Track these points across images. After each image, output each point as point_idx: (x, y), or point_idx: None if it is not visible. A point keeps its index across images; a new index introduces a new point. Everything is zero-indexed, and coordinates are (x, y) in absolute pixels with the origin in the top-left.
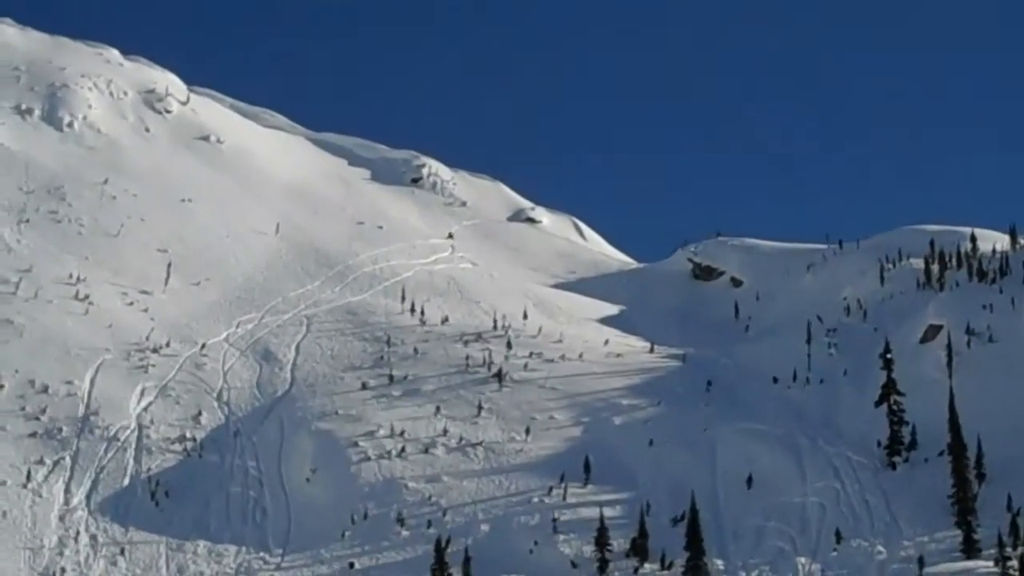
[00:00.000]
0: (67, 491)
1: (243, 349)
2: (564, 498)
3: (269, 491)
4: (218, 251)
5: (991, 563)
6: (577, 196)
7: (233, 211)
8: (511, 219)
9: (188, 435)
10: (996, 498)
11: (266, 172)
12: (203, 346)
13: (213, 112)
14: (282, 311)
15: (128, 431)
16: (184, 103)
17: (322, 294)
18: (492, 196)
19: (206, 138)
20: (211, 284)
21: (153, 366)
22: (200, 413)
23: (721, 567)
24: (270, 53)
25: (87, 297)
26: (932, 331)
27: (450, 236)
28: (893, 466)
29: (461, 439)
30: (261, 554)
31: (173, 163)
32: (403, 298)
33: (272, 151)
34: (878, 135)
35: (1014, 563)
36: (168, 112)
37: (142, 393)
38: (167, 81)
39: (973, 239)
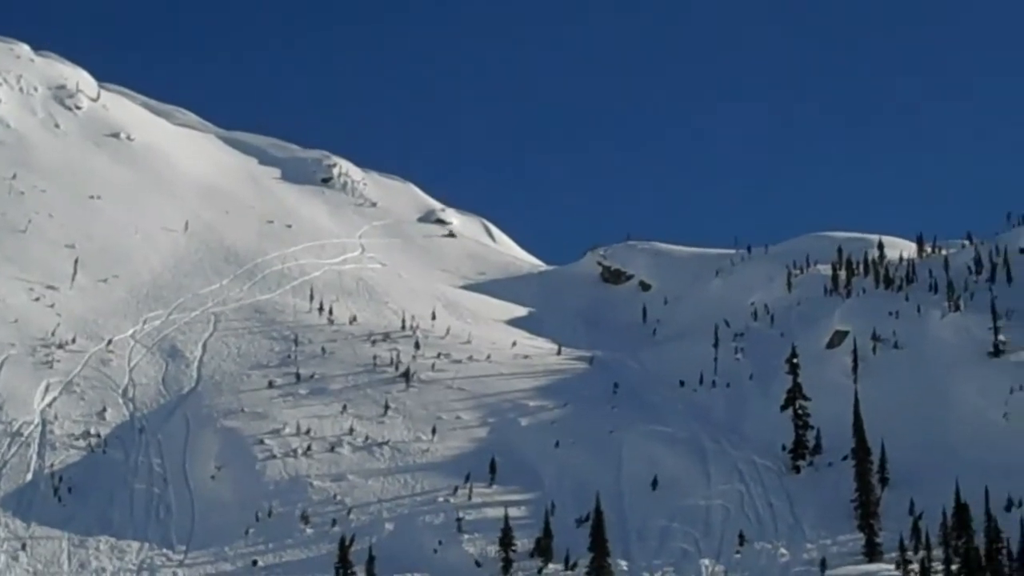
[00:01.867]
0: None
1: (150, 346)
2: (469, 498)
3: (173, 488)
4: (126, 248)
5: (893, 566)
6: (487, 198)
7: (142, 208)
8: (421, 220)
9: (92, 431)
10: (899, 502)
11: (176, 170)
12: (109, 342)
13: (124, 109)
14: (190, 308)
15: (32, 426)
16: (95, 100)
17: (230, 292)
18: (402, 197)
19: (116, 135)
20: (119, 281)
21: (58, 362)
22: (105, 409)
23: (625, 568)
24: (182, 51)
25: None
26: (838, 337)
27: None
28: (797, 470)
29: (367, 438)
30: (164, 551)
31: (83, 159)
32: (311, 297)
33: (182, 149)
34: (788, 141)
35: (915, 567)
36: (78, 108)
37: (47, 389)
38: (78, 77)
39: (880, 246)
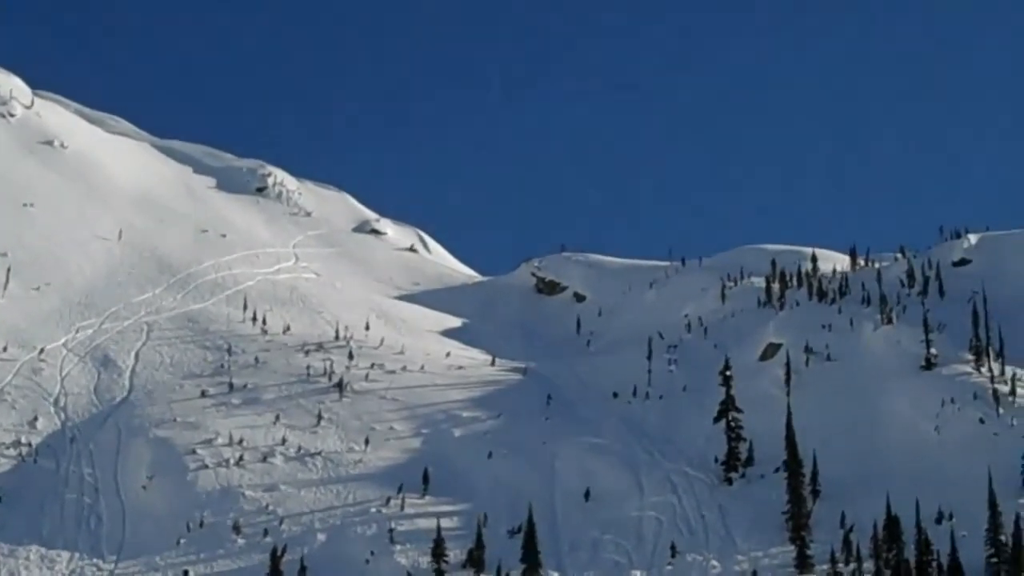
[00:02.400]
0: None
1: (82, 355)
2: (402, 508)
3: (104, 498)
4: (59, 256)
5: None
6: (422, 209)
7: (76, 216)
8: (356, 230)
9: (23, 440)
10: (830, 514)
11: (110, 178)
12: (41, 351)
13: (58, 116)
14: (123, 317)
15: None
16: (28, 107)
17: (163, 301)
18: (337, 207)
19: (50, 142)
20: (51, 289)
21: None
22: (36, 418)
23: None
24: (117, 58)
25: None
26: (771, 349)
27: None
28: (730, 482)
29: (300, 448)
30: (95, 560)
31: (15, 167)
32: (245, 307)
33: (117, 157)
34: (723, 154)
35: None
36: (12, 116)
37: None
38: (11, 84)
39: (814, 259)
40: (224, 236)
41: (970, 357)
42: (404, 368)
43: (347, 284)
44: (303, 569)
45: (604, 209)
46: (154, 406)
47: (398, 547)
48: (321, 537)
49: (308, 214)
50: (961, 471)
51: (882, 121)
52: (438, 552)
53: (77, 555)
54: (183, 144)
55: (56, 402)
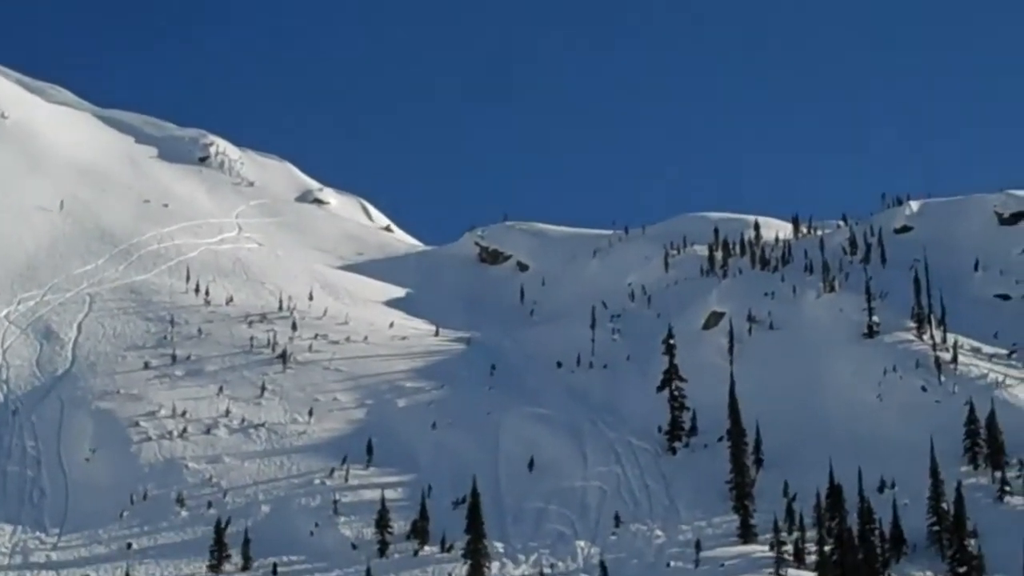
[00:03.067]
0: None
1: (23, 327)
2: (346, 480)
3: (47, 470)
4: (0, 227)
5: (767, 548)
6: (365, 178)
7: (16, 187)
8: (299, 200)
9: None
10: (773, 483)
11: (51, 148)
12: None
13: None
14: (65, 289)
15: None
16: None
17: (106, 273)
18: (280, 176)
19: None
20: None
21: None
22: None
23: (501, 550)
24: (57, 28)
25: None
26: (714, 317)
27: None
28: (673, 451)
29: (243, 420)
30: (37, 534)
31: None
32: (188, 278)
33: (58, 127)
34: (666, 123)
35: (789, 548)
36: None
37: None
38: None
39: (756, 227)
40: (166, 206)
41: (912, 325)
42: (348, 339)
43: (290, 254)
44: (247, 541)
45: (547, 178)
46: (97, 378)
47: (342, 518)
48: (265, 509)
49: (251, 184)
50: (903, 439)
51: (824, 88)
52: (382, 523)
53: (20, 528)
54: (124, 114)
55: None
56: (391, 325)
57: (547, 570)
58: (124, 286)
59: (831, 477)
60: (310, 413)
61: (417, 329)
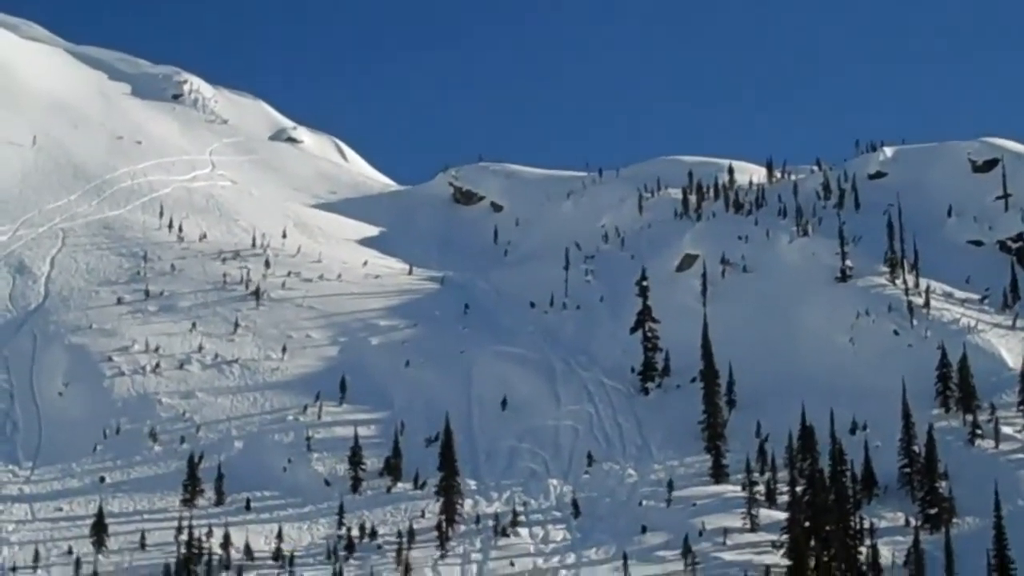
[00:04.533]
0: None
1: None
2: (319, 417)
3: (20, 404)
4: None
5: (739, 488)
6: (339, 116)
7: None
8: (272, 138)
9: None
10: (745, 424)
11: (24, 84)
12: None
13: None
14: (37, 224)
15: None
16: None
17: (79, 208)
18: (254, 114)
19: None
20: None
21: None
22: None
23: (473, 487)
24: None
25: None
26: (688, 260)
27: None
28: (646, 391)
29: (217, 356)
30: (10, 467)
31: None
32: (161, 214)
33: (30, 63)
34: (640, 65)
35: (760, 488)
36: None
37: None
38: None
39: (731, 171)
40: (139, 143)
41: (885, 269)
42: (321, 276)
43: (264, 192)
44: (220, 476)
45: (522, 119)
46: (70, 313)
47: (315, 455)
48: (238, 444)
49: (224, 121)
50: (875, 382)
51: (799, 33)
52: (355, 460)
53: None
54: (97, 50)
55: None
56: (364, 264)
57: (520, 508)
58: (97, 222)
59: (803, 418)
60: (283, 350)
61: (390, 268)
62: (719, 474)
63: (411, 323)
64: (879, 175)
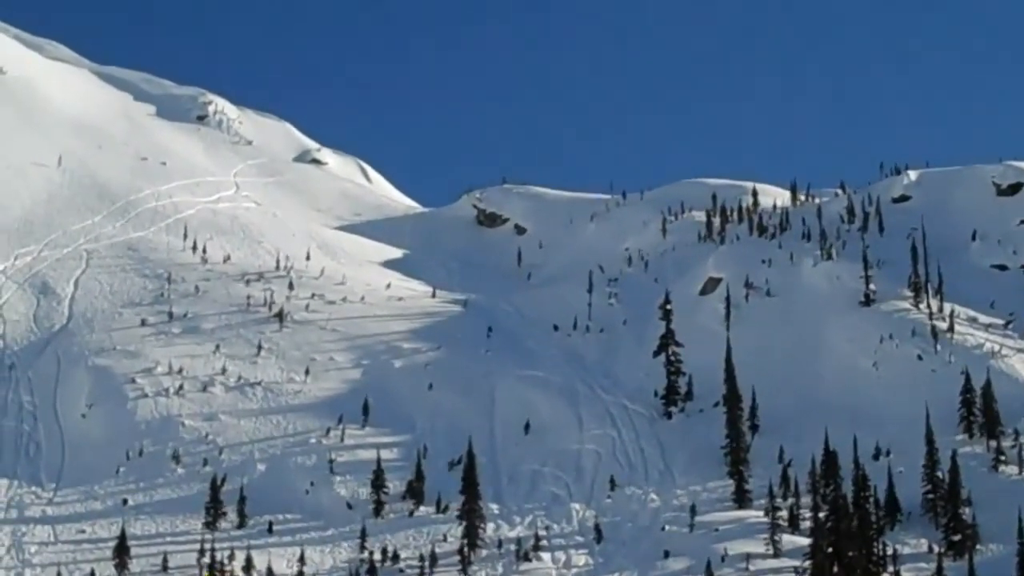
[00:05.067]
0: None
1: (20, 282)
2: (342, 439)
3: (44, 426)
4: None
5: (761, 513)
6: (364, 139)
7: (14, 143)
8: (297, 160)
9: None
10: (768, 449)
11: (49, 104)
12: None
13: None
14: (62, 245)
15: None
16: None
17: (103, 229)
18: (278, 136)
19: None
20: None
21: None
22: None
23: (496, 511)
24: None
25: None
26: (711, 283)
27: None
28: (669, 416)
29: (240, 378)
30: (33, 488)
31: None
32: (185, 235)
33: (56, 83)
34: (664, 88)
35: (784, 514)
36: None
37: None
38: None
39: (754, 194)
40: (164, 164)
41: (909, 293)
42: (344, 299)
43: (288, 214)
44: (243, 499)
45: (546, 142)
46: (93, 334)
47: (338, 478)
48: (261, 467)
49: (249, 143)
50: (899, 407)
51: (824, 57)
52: (378, 483)
53: (16, 483)
54: (123, 71)
55: None
56: (388, 286)
57: (542, 532)
58: (121, 243)
59: (826, 444)
60: (306, 372)
61: (414, 290)
62: (742, 499)
63: (434, 346)
64: (903, 198)
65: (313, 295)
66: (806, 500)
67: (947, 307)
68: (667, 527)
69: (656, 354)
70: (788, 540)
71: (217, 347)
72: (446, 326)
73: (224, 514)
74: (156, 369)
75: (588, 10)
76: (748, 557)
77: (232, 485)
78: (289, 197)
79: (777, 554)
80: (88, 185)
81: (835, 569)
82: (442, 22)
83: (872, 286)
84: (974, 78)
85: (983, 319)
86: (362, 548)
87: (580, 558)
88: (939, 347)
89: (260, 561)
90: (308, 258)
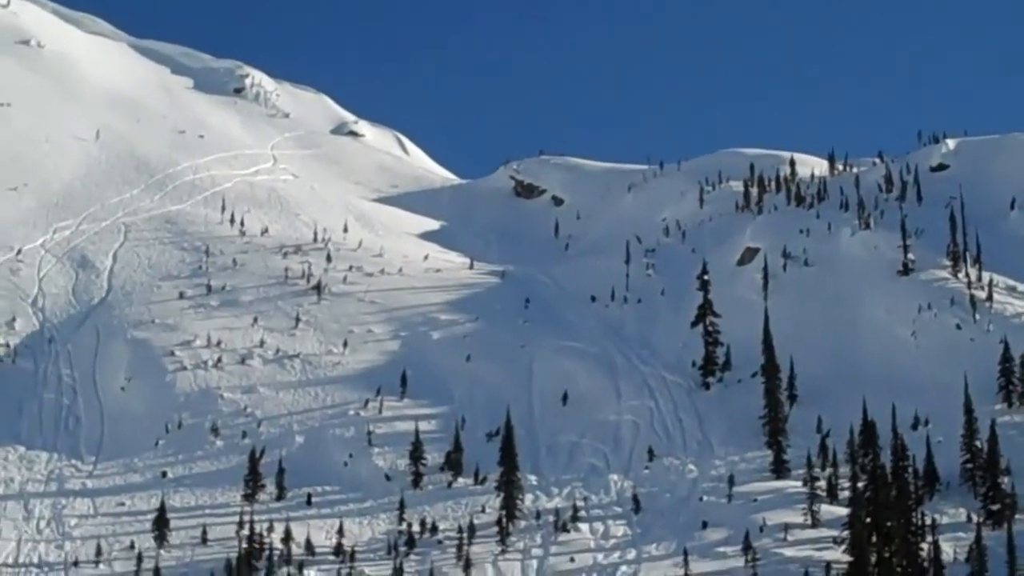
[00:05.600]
0: None
1: (59, 255)
2: (380, 411)
3: (83, 399)
4: (36, 157)
5: (800, 483)
6: (401, 110)
7: (52, 117)
8: (334, 132)
9: (2, 341)
10: (807, 419)
11: (87, 78)
12: (19, 252)
13: (34, 16)
14: (100, 218)
15: None
16: (5, 6)
17: (141, 202)
18: (315, 108)
19: (26, 42)
20: (28, 190)
21: None
22: (14, 319)
23: (534, 482)
24: None
25: None
26: (749, 253)
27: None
28: (707, 386)
29: (278, 350)
30: (73, 461)
31: None
32: (223, 208)
33: (94, 57)
34: (702, 58)
35: (822, 483)
36: None
37: None
38: None
39: (792, 163)
40: (202, 137)
41: (947, 262)
42: (382, 271)
43: (325, 186)
44: (281, 471)
45: (583, 112)
46: (132, 307)
47: (376, 449)
48: (299, 439)
49: (286, 115)
50: (937, 377)
51: (862, 26)
52: (416, 454)
53: (56, 456)
54: (160, 44)
55: (34, 303)
56: (425, 258)
57: (580, 503)
58: (159, 216)
59: (865, 413)
60: (344, 344)
61: (451, 262)
62: (780, 469)
63: (472, 317)
64: (941, 167)
65: (351, 267)
66: (844, 470)
67: (985, 276)
68: (705, 497)
69: (694, 324)
70: (826, 510)
71: (255, 320)
72: (484, 297)
73: (263, 486)
74: (195, 342)
75: None
76: (786, 527)
77: (271, 457)
78: (326, 169)
79: (815, 524)
80: (126, 158)
81: (874, 539)
82: None
83: (910, 255)
84: (1013, 45)
85: (1022, 288)
86: (400, 520)
87: (618, 529)
88: (978, 316)
89: (299, 533)
90: (346, 230)
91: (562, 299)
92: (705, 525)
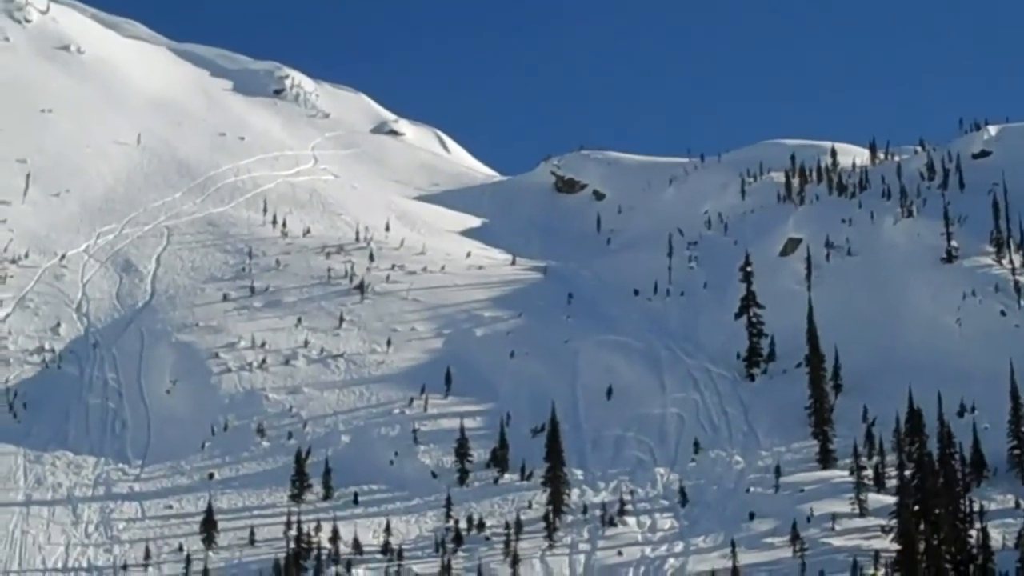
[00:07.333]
0: None
1: (103, 260)
2: (425, 409)
3: (128, 402)
4: (78, 162)
5: (846, 473)
6: (441, 108)
7: (94, 121)
8: (374, 131)
9: (47, 346)
10: (852, 409)
11: (127, 82)
12: (63, 257)
13: (74, 21)
14: (143, 222)
15: None
16: (44, 12)
17: (183, 205)
18: (355, 108)
19: (67, 48)
20: (71, 195)
21: (11, 277)
22: (59, 324)
23: (580, 477)
24: None
25: None
26: (791, 244)
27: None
28: (752, 377)
29: (322, 350)
30: (120, 465)
31: (33, 73)
32: (265, 210)
33: (133, 61)
34: (739, 50)
35: (869, 473)
36: (28, 21)
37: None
38: None
39: (833, 153)
40: (242, 139)
41: (991, 249)
42: (425, 269)
43: (366, 185)
44: (328, 471)
45: (623, 106)
46: (176, 310)
47: (422, 447)
48: (345, 439)
49: (326, 116)
50: (983, 363)
51: (901, 13)
52: (462, 452)
53: (103, 460)
54: (199, 47)
55: (78, 308)
56: (468, 255)
57: (627, 497)
58: (202, 219)
59: (910, 402)
60: (388, 343)
61: (493, 259)
62: (826, 459)
63: (515, 313)
64: (983, 154)
65: (393, 266)
66: (891, 458)
67: None
68: (752, 489)
69: (737, 316)
70: (874, 499)
71: (299, 320)
72: (526, 293)
73: (310, 486)
74: (239, 344)
75: None
76: (834, 517)
77: (317, 457)
78: (367, 169)
79: (863, 513)
80: (168, 162)
81: (922, 527)
82: None
83: (954, 243)
84: None
85: None
86: (447, 517)
87: (665, 522)
88: (1022, 302)
89: (346, 532)
90: (387, 229)
91: (605, 293)
92: (752, 516)
